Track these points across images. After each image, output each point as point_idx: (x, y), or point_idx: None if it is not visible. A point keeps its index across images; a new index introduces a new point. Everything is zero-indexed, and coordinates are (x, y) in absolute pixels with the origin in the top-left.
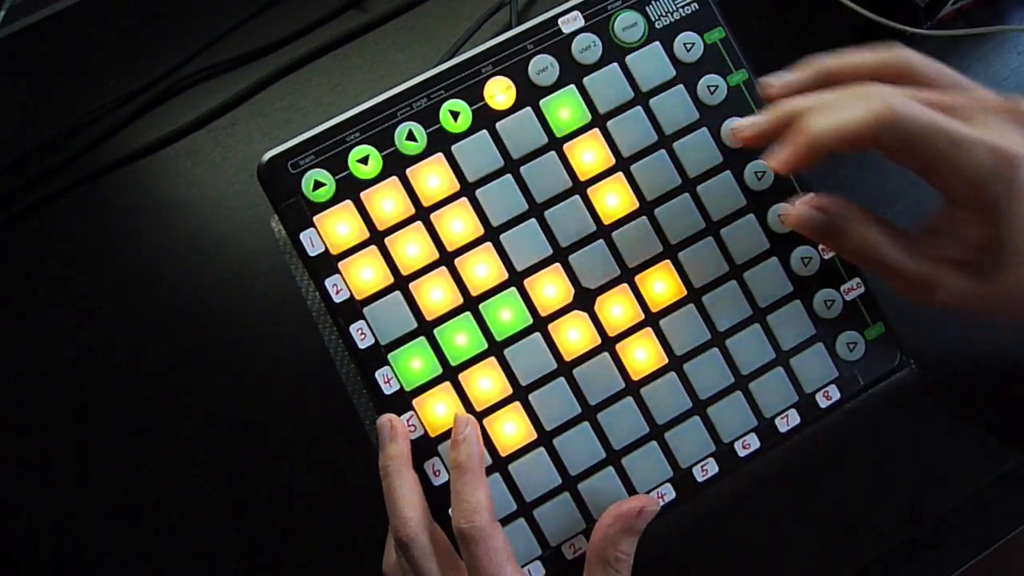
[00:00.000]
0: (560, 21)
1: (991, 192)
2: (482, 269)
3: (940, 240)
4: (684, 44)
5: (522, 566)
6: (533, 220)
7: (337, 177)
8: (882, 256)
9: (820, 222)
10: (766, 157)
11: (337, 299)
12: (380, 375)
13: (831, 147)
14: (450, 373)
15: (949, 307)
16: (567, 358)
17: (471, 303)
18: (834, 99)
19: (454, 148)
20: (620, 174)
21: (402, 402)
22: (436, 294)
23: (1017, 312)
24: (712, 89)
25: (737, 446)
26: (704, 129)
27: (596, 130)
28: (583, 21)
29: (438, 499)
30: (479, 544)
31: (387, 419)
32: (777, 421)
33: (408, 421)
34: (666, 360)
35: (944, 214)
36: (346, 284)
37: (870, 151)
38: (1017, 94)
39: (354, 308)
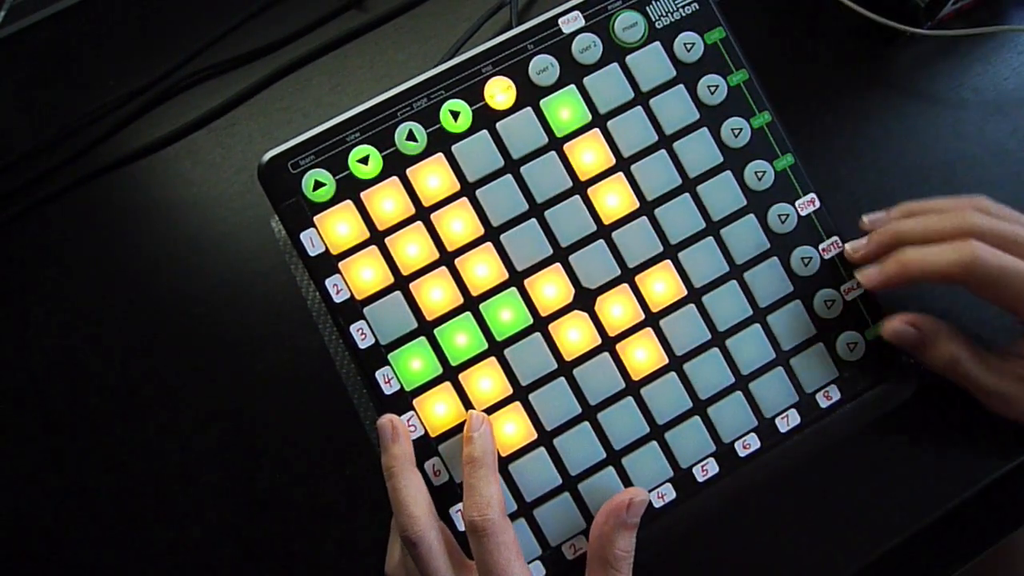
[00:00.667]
0: (560, 21)
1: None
2: (482, 269)
3: (1017, 361)
4: (684, 44)
5: None
6: (533, 220)
7: (337, 177)
8: (967, 371)
9: (913, 337)
10: (859, 274)
11: (337, 299)
12: (380, 375)
13: (919, 280)
14: (450, 373)
15: (1019, 419)
16: (567, 358)
17: (471, 303)
18: (934, 231)
19: (454, 148)
20: (620, 174)
21: (402, 402)
22: (436, 294)
23: None
24: (712, 89)
25: (737, 446)
26: (704, 129)
27: (596, 130)
28: (583, 21)
29: (439, 499)
30: (490, 538)
31: (388, 420)
32: (777, 421)
33: (408, 421)
34: (666, 360)
35: (1022, 338)
36: (346, 284)
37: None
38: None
39: (354, 308)
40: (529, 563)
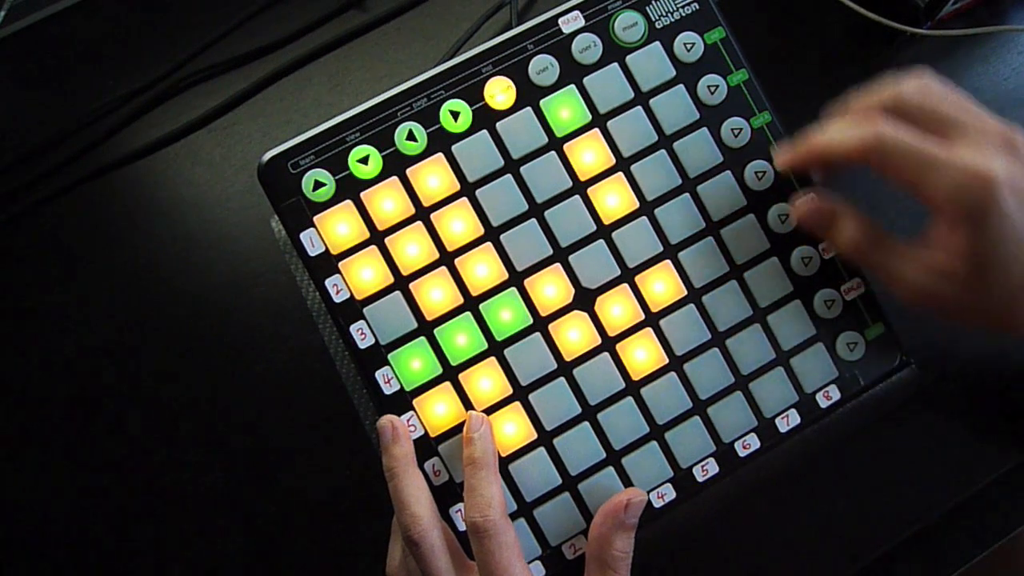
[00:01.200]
0: (560, 21)
1: (966, 208)
2: (482, 269)
3: (928, 250)
4: (684, 44)
5: None
6: (533, 220)
7: (337, 177)
8: (873, 257)
9: (818, 217)
10: (775, 157)
11: (337, 299)
12: (380, 375)
13: (825, 157)
14: (450, 373)
15: (937, 312)
16: (567, 358)
17: (471, 303)
18: (843, 121)
19: (454, 148)
20: (620, 174)
21: (402, 402)
22: (436, 294)
23: (997, 323)
24: (712, 89)
25: (737, 446)
26: (704, 129)
27: (596, 130)
28: (583, 21)
29: (439, 499)
30: (492, 538)
31: (388, 420)
32: (777, 421)
33: (408, 421)
34: (666, 360)
35: (932, 225)
36: (346, 284)
37: (863, 165)
38: (1019, 107)
39: (354, 308)
40: (529, 563)
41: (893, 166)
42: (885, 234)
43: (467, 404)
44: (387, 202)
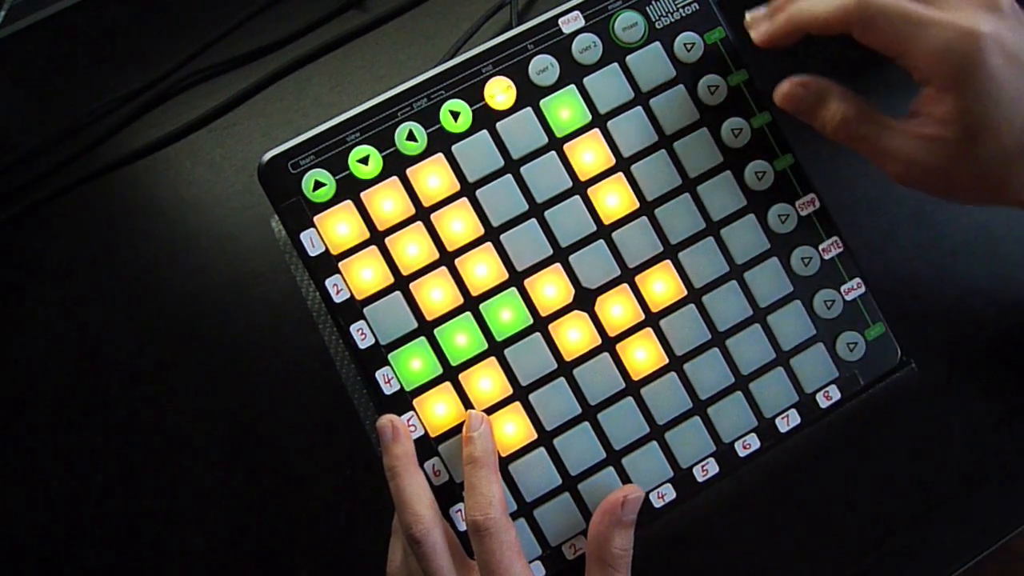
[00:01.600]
0: (560, 21)
1: (954, 67)
2: (482, 269)
3: (918, 120)
4: (684, 44)
5: None
6: (533, 220)
7: (337, 177)
8: (861, 131)
9: (803, 97)
10: (750, 30)
11: (337, 299)
12: (380, 375)
13: (806, 27)
14: (450, 373)
15: (930, 188)
16: (567, 358)
17: (471, 303)
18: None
19: (454, 148)
20: (620, 174)
21: (402, 402)
22: (436, 294)
23: (989, 193)
24: (712, 89)
25: (737, 446)
26: (704, 129)
27: (596, 130)
28: (583, 21)
29: (439, 499)
30: (493, 537)
31: (388, 420)
32: (777, 421)
33: (408, 421)
34: (666, 360)
35: (918, 96)
36: (346, 284)
37: (844, 32)
38: None
39: (354, 308)
40: (529, 563)
41: (877, 31)
42: (874, 110)
43: (467, 404)
44: (387, 202)
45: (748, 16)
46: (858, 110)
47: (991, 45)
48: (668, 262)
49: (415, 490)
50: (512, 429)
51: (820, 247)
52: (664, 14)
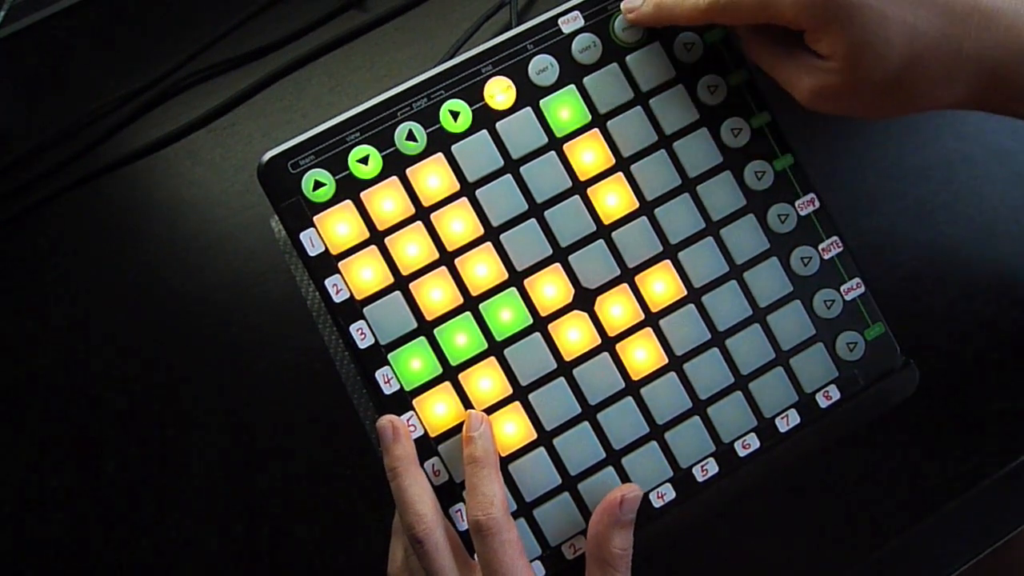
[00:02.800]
0: (560, 21)
1: (817, 13)
2: (482, 269)
3: (807, 53)
4: (684, 44)
5: None
6: (533, 220)
7: (337, 177)
8: (768, 63)
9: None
10: (625, 7)
11: (337, 299)
12: (380, 375)
13: (675, 22)
14: (450, 373)
15: (838, 111)
16: (567, 358)
17: (471, 303)
18: None
19: (454, 148)
20: (620, 174)
21: (402, 402)
22: (436, 294)
23: (889, 108)
24: (712, 89)
25: (737, 446)
26: (704, 129)
27: (596, 130)
28: (583, 21)
29: (440, 499)
30: (495, 536)
31: (388, 420)
32: (777, 421)
33: (408, 421)
34: (666, 360)
35: (805, 37)
36: (346, 284)
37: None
38: None
39: (354, 308)
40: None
41: (734, 14)
42: (781, 44)
43: (467, 404)
44: (387, 202)
45: (625, 3)
46: (766, 42)
47: None
48: (668, 262)
49: (417, 490)
50: (512, 429)
51: (820, 247)
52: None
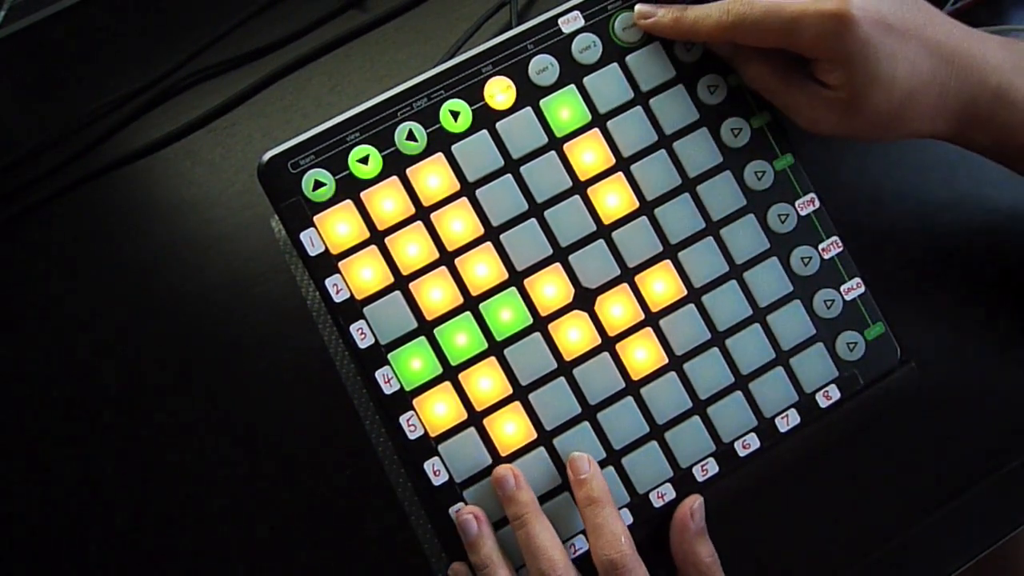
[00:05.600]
0: (560, 21)
1: (832, 47)
2: (482, 269)
3: (813, 83)
4: (684, 44)
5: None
6: (533, 220)
7: (337, 177)
8: (775, 92)
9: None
10: (638, 15)
11: (337, 299)
12: (380, 375)
13: (690, 37)
14: (450, 373)
15: (829, 135)
16: (567, 358)
17: (471, 303)
18: (701, 8)
19: (454, 148)
20: (620, 174)
21: (402, 402)
22: (436, 294)
23: (888, 135)
24: (712, 89)
25: (737, 446)
26: (704, 129)
27: (596, 130)
28: (583, 21)
29: (439, 499)
30: (629, 572)
31: (507, 469)
32: (777, 421)
33: (408, 421)
34: (666, 360)
35: (815, 66)
36: (346, 284)
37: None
38: None
39: (354, 308)
40: None
41: (757, 37)
42: (785, 70)
43: (467, 404)
44: (387, 202)
45: (639, 7)
46: (772, 68)
47: (859, 17)
48: (668, 262)
49: (547, 536)
50: (512, 429)
51: (820, 247)
52: None
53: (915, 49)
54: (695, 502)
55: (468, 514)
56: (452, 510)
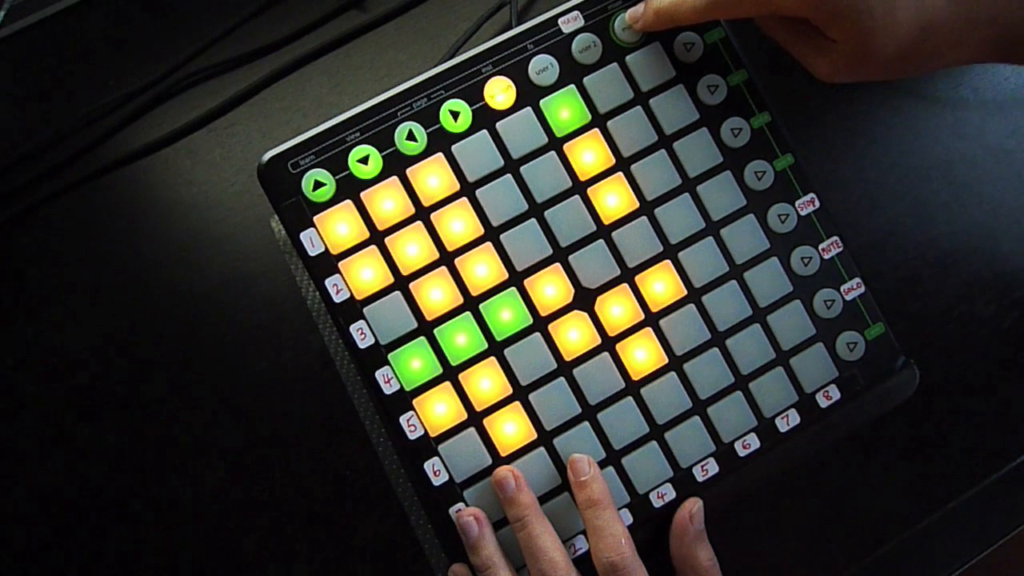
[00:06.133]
0: (560, 21)
1: (818, 7)
2: (482, 269)
3: (826, 40)
4: (684, 44)
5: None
6: (533, 220)
7: (337, 177)
8: (790, 45)
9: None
10: (630, 19)
11: (337, 299)
12: (380, 375)
13: (676, 21)
14: (450, 373)
15: (848, 81)
16: (567, 358)
17: (471, 303)
18: None
19: (454, 148)
20: (620, 174)
21: (402, 402)
22: (436, 294)
23: (903, 73)
24: (712, 89)
25: (737, 446)
26: (704, 129)
27: (596, 130)
28: (583, 21)
29: (438, 499)
30: (630, 573)
31: (507, 471)
32: (777, 421)
33: (408, 421)
34: (666, 360)
35: (818, 27)
36: (346, 284)
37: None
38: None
39: (354, 308)
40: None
41: (740, 7)
42: (796, 20)
43: (467, 404)
44: (387, 202)
45: (628, 12)
46: (780, 18)
47: None
48: (668, 262)
49: (548, 538)
50: (512, 429)
51: (820, 247)
52: None
53: None
54: (694, 505)
55: (469, 516)
56: (452, 510)
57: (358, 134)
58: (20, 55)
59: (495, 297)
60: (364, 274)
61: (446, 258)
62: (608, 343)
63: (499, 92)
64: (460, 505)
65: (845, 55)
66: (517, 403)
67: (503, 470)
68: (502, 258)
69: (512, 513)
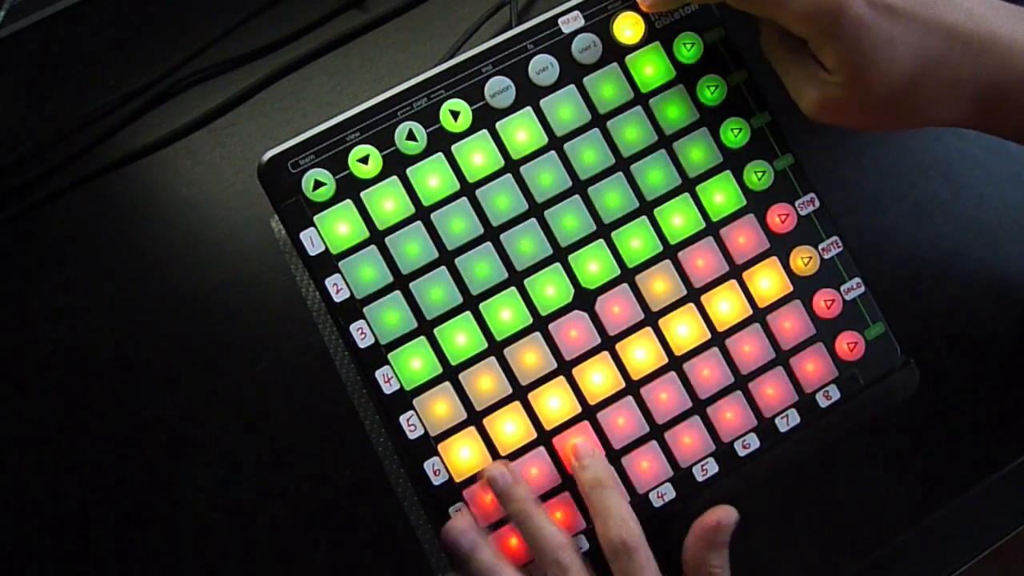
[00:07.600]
0: (560, 21)
1: (823, 25)
2: (481, 269)
3: (814, 67)
4: (684, 44)
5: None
6: (534, 220)
7: (337, 177)
8: (779, 68)
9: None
10: (640, 3)
11: (337, 299)
12: (380, 375)
13: (685, 2)
14: (450, 372)
15: (840, 123)
16: (567, 357)
17: (471, 303)
18: None
19: (454, 148)
20: (620, 174)
21: (402, 402)
22: (435, 293)
23: (890, 123)
24: (712, 89)
25: (737, 446)
26: (704, 129)
27: (596, 130)
28: (583, 21)
29: (437, 499)
30: (638, 552)
31: (501, 466)
32: (777, 421)
33: (408, 421)
34: (666, 360)
35: (811, 47)
36: (346, 283)
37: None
38: None
39: (354, 308)
40: (526, 564)
41: (746, 2)
42: (795, 41)
43: (467, 403)
44: (387, 202)
45: None
46: (781, 36)
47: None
48: (668, 262)
49: (552, 528)
50: (512, 429)
51: (820, 247)
52: (664, 14)
53: (919, 32)
54: (726, 517)
55: (502, 466)
56: (452, 510)
57: (358, 134)
58: (20, 55)
59: (495, 297)
60: (364, 274)
61: (445, 257)
62: (608, 342)
63: (500, 91)
64: (459, 505)
65: (837, 90)
66: (517, 403)
67: (493, 468)
68: (502, 258)
69: (511, 508)
